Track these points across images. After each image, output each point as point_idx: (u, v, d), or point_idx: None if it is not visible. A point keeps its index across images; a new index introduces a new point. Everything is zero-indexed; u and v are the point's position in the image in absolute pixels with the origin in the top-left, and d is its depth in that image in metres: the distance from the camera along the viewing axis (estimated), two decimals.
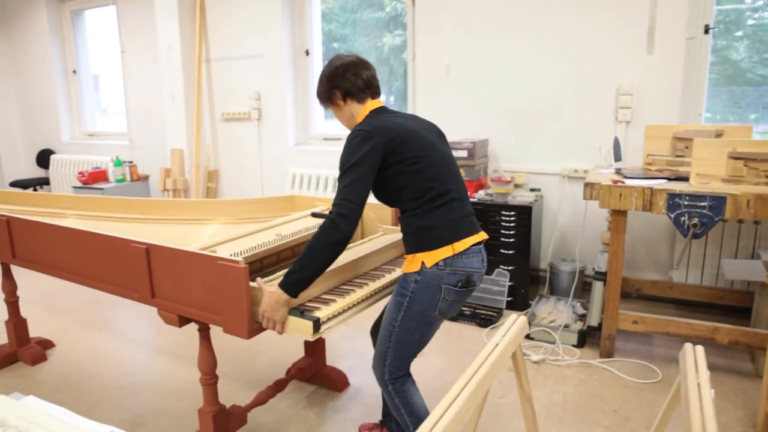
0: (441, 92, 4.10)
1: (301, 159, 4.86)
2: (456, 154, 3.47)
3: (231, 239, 2.08)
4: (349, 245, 2.07)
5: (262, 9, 4.74)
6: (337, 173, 4.31)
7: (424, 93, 4.18)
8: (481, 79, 3.94)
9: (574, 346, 2.99)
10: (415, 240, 1.76)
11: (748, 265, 2.74)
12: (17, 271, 2.82)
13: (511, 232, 3.46)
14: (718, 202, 2.43)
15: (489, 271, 3.44)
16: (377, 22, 4.63)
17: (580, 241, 3.66)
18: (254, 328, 1.68)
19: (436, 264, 1.72)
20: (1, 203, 2.90)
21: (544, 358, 2.87)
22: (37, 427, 1.02)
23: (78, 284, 2.23)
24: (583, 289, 3.63)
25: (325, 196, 4.52)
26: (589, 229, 3.66)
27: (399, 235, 2.15)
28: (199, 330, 1.98)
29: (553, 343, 3.01)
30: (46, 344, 3.12)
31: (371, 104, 1.86)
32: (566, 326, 3.04)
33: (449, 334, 3.19)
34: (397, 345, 1.81)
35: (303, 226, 2.27)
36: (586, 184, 2.75)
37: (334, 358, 2.93)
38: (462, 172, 3.25)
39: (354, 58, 1.86)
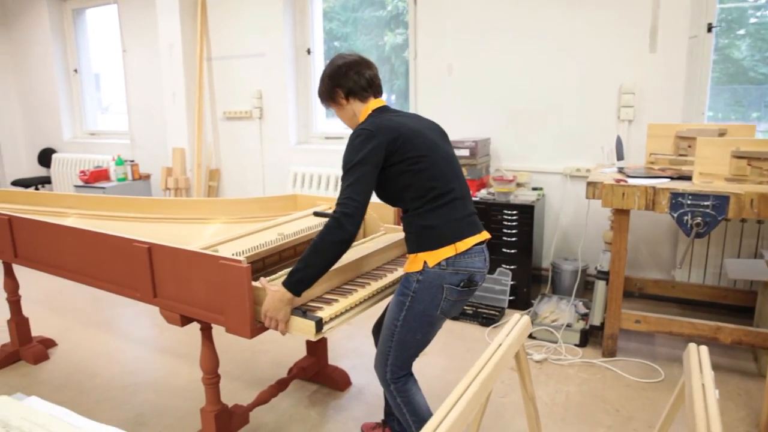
0: (443, 91, 4.09)
1: (302, 158, 4.85)
2: (458, 153, 3.46)
3: (233, 238, 2.08)
4: (352, 244, 2.07)
5: (263, 7, 4.74)
6: (339, 172, 4.33)
7: (425, 92, 4.17)
8: (483, 77, 3.93)
9: (576, 345, 2.98)
10: (417, 239, 1.76)
11: (751, 264, 2.73)
12: (19, 270, 2.82)
13: (513, 231, 3.45)
14: (721, 201, 2.42)
15: (491, 270, 3.44)
16: (378, 21, 4.62)
17: (583, 240, 3.66)
18: (257, 327, 1.68)
19: (439, 264, 1.72)
20: (2, 202, 2.90)
21: (546, 358, 2.87)
22: (40, 427, 1.02)
23: (80, 283, 2.24)
24: (586, 289, 3.62)
25: (327, 195, 4.53)
26: (592, 228, 3.65)
27: (401, 235, 2.15)
28: (201, 329, 1.98)
29: (556, 342, 3.01)
30: (48, 343, 3.12)
31: (373, 103, 1.85)
32: (568, 325, 3.04)
33: (451, 334, 3.19)
34: (399, 344, 1.80)
35: (305, 225, 2.27)
36: (589, 183, 2.74)
37: (336, 357, 2.93)
38: (464, 171, 3.25)
39: (356, 57, 1.86)
